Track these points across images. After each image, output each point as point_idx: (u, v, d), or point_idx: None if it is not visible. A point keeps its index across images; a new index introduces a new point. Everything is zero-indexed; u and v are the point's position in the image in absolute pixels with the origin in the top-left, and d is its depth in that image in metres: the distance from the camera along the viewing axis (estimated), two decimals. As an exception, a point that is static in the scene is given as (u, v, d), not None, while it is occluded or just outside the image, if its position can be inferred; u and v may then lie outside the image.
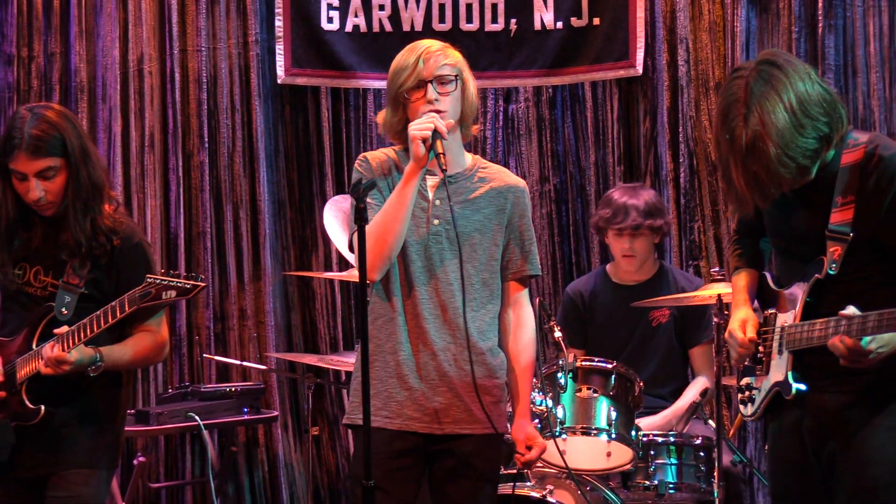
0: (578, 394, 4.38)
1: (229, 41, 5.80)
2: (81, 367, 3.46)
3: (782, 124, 2.94)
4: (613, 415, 4.34)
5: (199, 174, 5.78)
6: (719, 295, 4.30)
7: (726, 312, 4.15)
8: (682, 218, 5.68)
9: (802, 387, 3.12)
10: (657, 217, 4.92)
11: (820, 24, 5.57)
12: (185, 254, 5.77)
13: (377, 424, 3.32)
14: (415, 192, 3.34)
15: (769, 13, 5.66)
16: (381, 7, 5.74)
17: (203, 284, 3.42)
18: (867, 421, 3.06)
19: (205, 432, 5.12)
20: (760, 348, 3.26)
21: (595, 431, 4.34)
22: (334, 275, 5.52)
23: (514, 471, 4.06)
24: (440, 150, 3.30)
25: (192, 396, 5.23)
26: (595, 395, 4.37)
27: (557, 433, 4.25)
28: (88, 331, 3.44)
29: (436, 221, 3.43)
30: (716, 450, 4.32)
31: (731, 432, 4.79)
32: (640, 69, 5.69)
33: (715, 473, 4.32)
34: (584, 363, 4.44)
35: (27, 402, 3.54)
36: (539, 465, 4.01)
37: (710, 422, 4.71)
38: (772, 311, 3.27)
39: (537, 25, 5.73)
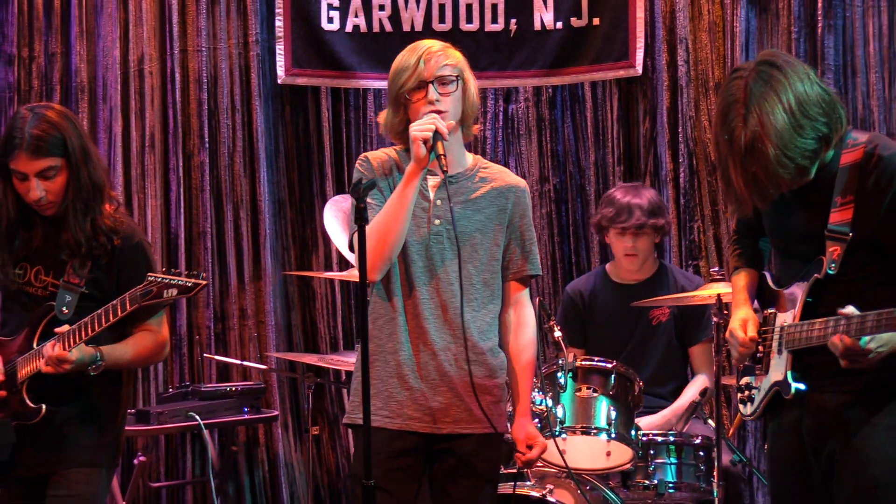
0: (578, 393, 4.38)
1: (230, 41, 5.80)
2: (82, 366, 3.46)
3: (781, 125, 2.94)
4: (613, 414, 4.34)
5: (200, 174, 5.78)
6: (719, 295, 4.30)
7: (726, 312, 4.16)
8: (681, 218, 5.68)
9: (802, 386, 3.12)
10: (660, 216, 4.93)
11: (819, 25, 5.57)
12: (185, 254, 5.77)
13: (377, 424, 3.32)
14: (415, 192, 3.33)
15: (769, 13, 5.66)
16: (382, 7, 5.74)
17: (204, 282, 3.43)
18: (866, 420, 3.06)
19: (205, 432, 5.11)
20: (760, 348, 3.26)
21: (595, 431, 4.35)
22: (334, 275, 5.52)
23: (514, 470, 4.06)
24: (441, 152, 3.29)
25: (192, 396, 5.23)
26: (595, 394, 4.37)
27: (557, 433, 4.26)
28: (89, 330, 3.44)
29: (437, 221, 3.43)
30: (715, 449, 4.32)
31: (731, 432, 4.78)
32: (639, 69, 5.69)
33: (714, 473, 4.32)
34: (583, 363, 4.45)
35: (28, 402, 3.54)
36: (539, 464, 4.00)
37: (710, 421, 4.72)
38: (771, 310, 3.27)
39: (537, 25, 5.73)
